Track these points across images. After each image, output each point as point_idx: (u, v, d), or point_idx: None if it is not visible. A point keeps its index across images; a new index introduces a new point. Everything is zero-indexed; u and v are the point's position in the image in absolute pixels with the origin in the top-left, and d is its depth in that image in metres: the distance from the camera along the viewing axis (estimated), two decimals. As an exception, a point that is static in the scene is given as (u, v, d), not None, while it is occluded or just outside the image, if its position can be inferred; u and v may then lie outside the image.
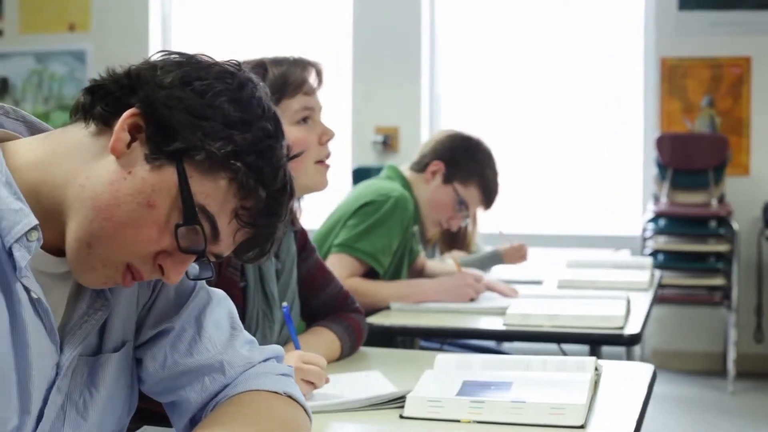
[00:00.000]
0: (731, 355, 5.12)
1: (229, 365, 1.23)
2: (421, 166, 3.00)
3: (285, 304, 1.82)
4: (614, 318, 2.38)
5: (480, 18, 5.92)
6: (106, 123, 1.10)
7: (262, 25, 6.13)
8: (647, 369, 1.87)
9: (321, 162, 1.95)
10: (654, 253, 5.12)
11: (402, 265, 2.88)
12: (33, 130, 1.19)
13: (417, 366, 1.89)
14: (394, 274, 2.85)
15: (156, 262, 1.09)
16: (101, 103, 1.10)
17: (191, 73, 1.09)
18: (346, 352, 2.00)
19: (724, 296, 5.24)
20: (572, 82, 5.79)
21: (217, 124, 1.07)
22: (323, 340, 1.95)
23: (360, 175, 5.19)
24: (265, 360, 1.27)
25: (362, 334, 2.06)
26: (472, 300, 2.72)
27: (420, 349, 2.80)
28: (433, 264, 3.18)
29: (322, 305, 2.06)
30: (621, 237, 5.58)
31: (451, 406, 1.54)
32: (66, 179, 1.08)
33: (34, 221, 1.06)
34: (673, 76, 5.52)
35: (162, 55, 1.13)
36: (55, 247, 1.10)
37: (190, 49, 1.16)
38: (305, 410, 1.26)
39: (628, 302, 2.57)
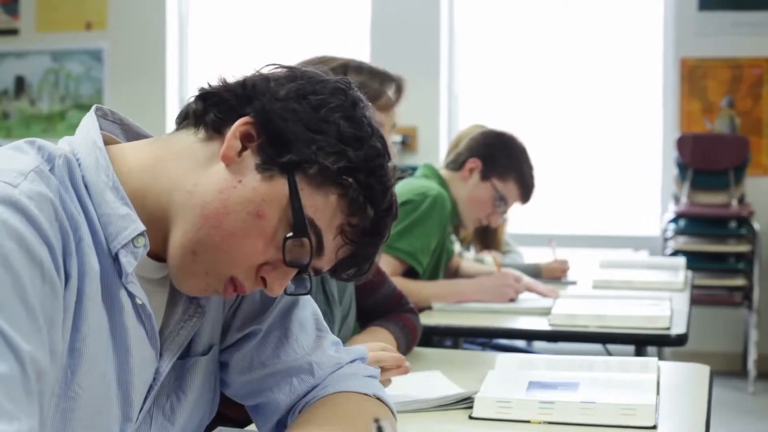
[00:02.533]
0: (752, 356, 5.12)
1: (318, 366, 1.23)
2: (457, 165, 3.00)
3: None
4: (660, 318, 2.38)
5: (498, 18, 5.92)
6: (217, 130, 1.09)
7: (279, 25, 6.13)
8: (704, 370, 1.87)
9: None
10: (674, 254, 5.11)
11: (440, 265, 2.88)
12: (129, 133, 1.18)
13: (473, 366, 1.90)
14: (432, 274, 2.84)
15: (259, 274, 1.08)
16: (214, 109, 1.09)
17: (306, 86, 1.09)
18: (402, 352, 1.99)
19: (744, 297, 5.24)
20: (591, 82, 5.78)
21: (331, 138, 1.07)
22: (380, 338, 1.93)
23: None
24: (352, 361, 1.27)
25: (417, 333, 2.06)
26: (511, 300, 2.72)
27: (462, 349, 2.80)
28: (468, 263, 3.17)
29: (376, 306, 2.06)
30: (640, 237, 5.57)
31: (520, 406, 1.55)
32: (173, 185, 1.08)
33: (142, 227, 1.06)
34: (693, 77, 5.51)
35: (272, 68, 1.13)
36: (153, 252, 1.09)
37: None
38: (392, 413, 1.26)
39: (671, 302, 2.57)
